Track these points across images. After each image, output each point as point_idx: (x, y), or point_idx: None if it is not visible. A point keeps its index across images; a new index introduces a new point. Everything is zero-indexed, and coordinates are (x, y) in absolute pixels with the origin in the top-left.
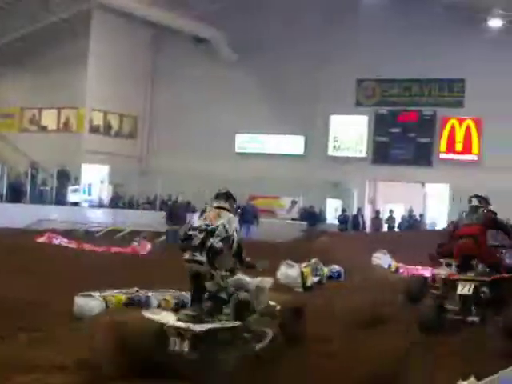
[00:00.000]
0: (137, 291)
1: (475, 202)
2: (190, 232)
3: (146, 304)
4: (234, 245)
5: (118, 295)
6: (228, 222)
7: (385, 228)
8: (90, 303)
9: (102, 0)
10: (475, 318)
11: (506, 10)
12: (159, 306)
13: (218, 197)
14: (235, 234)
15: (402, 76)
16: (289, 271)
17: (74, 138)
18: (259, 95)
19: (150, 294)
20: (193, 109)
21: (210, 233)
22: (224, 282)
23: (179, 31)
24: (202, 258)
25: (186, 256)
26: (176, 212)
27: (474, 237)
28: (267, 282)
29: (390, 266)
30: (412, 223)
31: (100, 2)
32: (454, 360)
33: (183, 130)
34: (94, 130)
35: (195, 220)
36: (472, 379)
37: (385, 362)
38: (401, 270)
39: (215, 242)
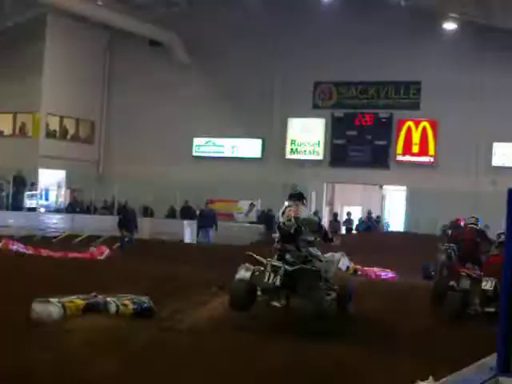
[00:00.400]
0: (95, 296)
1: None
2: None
3: (104, 309)
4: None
5: (77, 300)
6: (310, 213)
7: (343, 230)
8: (48, 309)
9: (57, 4)
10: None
11: (460, 13)
12: (118, 311)
13: (292, 196)
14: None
15: (359, 79)
16: (247, 275)
17: (30, 143)
18: (216, 98)
19: (108, 298)
20: (149, 112)
21: (299, 227)
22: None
23: (134, 34)
24: (292, 247)
25: (278, 246)
26: (127, 217)
27: None
28: (337, 257)
29: (348, 268)
30: (370, 225)
31: (55, 7)
32: None
33: (140, 134)
34: (51, 134)
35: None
36: (430, 379)
37: None
38: (359, 273)
39: (307, 235)
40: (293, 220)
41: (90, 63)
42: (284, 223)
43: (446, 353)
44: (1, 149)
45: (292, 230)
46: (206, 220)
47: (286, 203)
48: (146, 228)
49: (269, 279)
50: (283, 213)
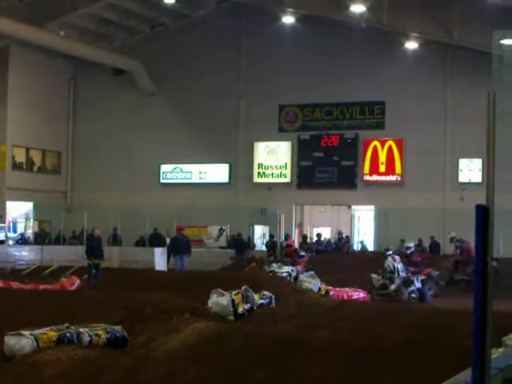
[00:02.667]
0: (68, 327)
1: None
2: None
3: (77, 339)
4: None
5: (49, 332)
6: None
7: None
8: (21, 342)
9: (19, 36)
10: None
11: (421, 33)
12: (91, 342)
13: None
14: None
15: (323, 100)
16: (219, 299)
17: None
18: (181, 125)
19: (81, 329)
20: (115, 141)
21: None
22: None
23: (98, 64)
24: None
25: None
26: (94, 246)
27: None
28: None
29: (319, 289)
30: (340, 246)
31: (17, 38)
32: None
33: (107, 163)
34: (17, 166)
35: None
36: None
37: None
38: (331, 293)
39: None
40: None
41: (55, 93)
42: None
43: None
44: None
45: None
46: (180, 246)
47: None
48: (115, 256)
49: None
50: None
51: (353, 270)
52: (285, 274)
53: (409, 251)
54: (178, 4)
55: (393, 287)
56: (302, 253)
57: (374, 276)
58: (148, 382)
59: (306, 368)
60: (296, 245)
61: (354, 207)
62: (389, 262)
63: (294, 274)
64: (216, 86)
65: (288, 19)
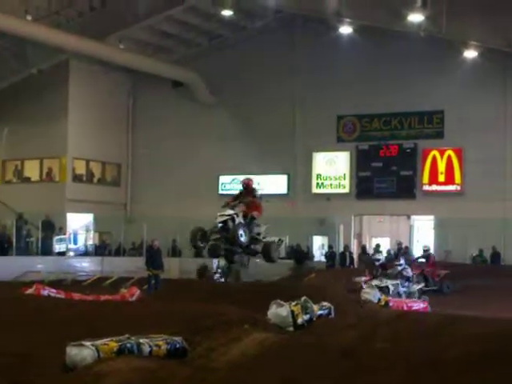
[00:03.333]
0: (128, 338)
1: None
2: None
3: (138, 350)
4: None
5: (110, 343)
6: None
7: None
8: (82, 353)
9: (79, 50)
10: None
11: (480, 42)
12: (151, 352)
13: None
14: None
15: (382, 110)
16: (279, 310)
17: (58, 188)
18: (240, 136)
19: (141, 340)
20: (174, 153)
21: None
22: None
23: (157, 76)
24: None
25: None
26: (153, 257)
27: None
28: None
29: (379, 300)
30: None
31: (77, 52)
32: None
33: (166, 175)
34: (77, 178)
35: None
36: None
37: None
38: (390, 304)
39: None
40: None
41: (114, 106)
42: None
43: None
44: (28, 194)
45: None
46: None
47: None
48: (174, 267)
49: None
50: None
51: None
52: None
53: (377, 263)
54: (235, 16)
55: None
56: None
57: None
58: None
59: (369, 381)
60: (355, 256)
61: (413, 217)
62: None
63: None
64: (274, 97)
65: (345, 29)
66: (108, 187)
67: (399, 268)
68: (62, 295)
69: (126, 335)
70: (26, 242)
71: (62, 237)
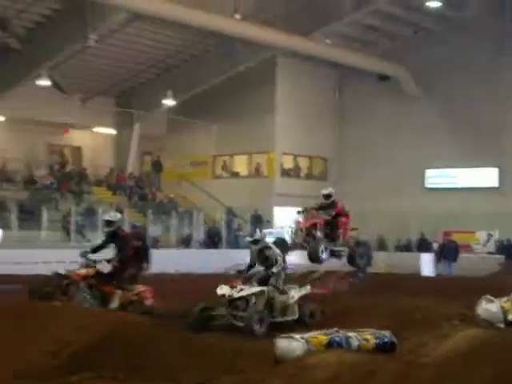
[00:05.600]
0: (336, 331)
1: None
2: None
3: (346, 344)
4: None
5: (319, 336)
6: None
7: None
8: (292, 345)
9: (286, 46)
10: None
11: None
12: (359, 346)
13: None
14: None
15: None
16: (489, 306)
17: (266, 182)
18: (447, 128)
19: (349, 333)
20: (380, 147)
21: None
22: None
23: (363, 70)
24: None
25: None
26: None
27: None
28: None
29: None
30: None
31: (283, 49)
32: None
33: (372, 169)
34: (285, 173)
35: None
36: None
37: None
38: None
39: None
40: None
41: (320, 101)
42: None
43: None
44: (238, 189)
45: None
46: (448, 252)
47: None
48: (381, 261)
49: None
50: None
51: None
52: None
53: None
54: (442, 7)
55: None
56: None
57: None
58: None
59: None
60: None
61: None
62: None
63: None
64: (483, 88)
65: None
66: (315, 181)
67: None
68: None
69: (335, 329)
70: (235, 236)
71: (271, 230)
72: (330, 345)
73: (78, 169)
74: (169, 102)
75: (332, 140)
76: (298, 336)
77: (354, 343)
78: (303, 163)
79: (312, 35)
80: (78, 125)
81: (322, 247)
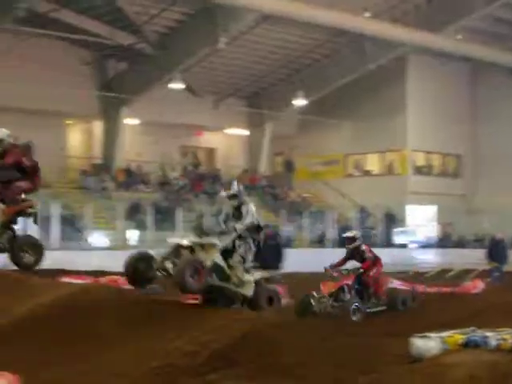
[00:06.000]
0: (473, 331)
1: None
2: None
3: (483, 343)
4: None
5: (456, 335)
6: None
7: None
8: (428, 344)
9: (417, 43)
10: None
11: None
12: (498, 346)
13: None
14: None
15: None
16: None
17: (399, 181)
18: None
19: (487, 333)
20: None
21: None
22: None
23: (495, 64)
24: None
25: None
26: (495, 249)
27: None
28: None
29: None
30: None
31: (414, 45)
32: None
33: (506, 164)
34: (417, 171)
35: None
36: None
37: None
38: None
39: None
40: None
41: (453, 96)
42: None
43: None
44: (370, 187)
45: None
46: None
47: None
48: None
49: None
50: None
51: None
52: None
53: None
54: None
55: None
56: None
57: None
58: None
59: None
60: None
61: None
62: None
63: None
64: None
65: None
66: (448, 179)
67: None
68: (433, 290)
69: (472, 328)
70: (369, 235)
71: (404, 229)
72: (466, 344)
73: (211, 170)
74: (300, 102)
75: (465, 136)
76: (433, 335)
77: (492, 343)
78: (436, 160)
79: (442, 31)
80: (210, 127)
81: (352, 308)
